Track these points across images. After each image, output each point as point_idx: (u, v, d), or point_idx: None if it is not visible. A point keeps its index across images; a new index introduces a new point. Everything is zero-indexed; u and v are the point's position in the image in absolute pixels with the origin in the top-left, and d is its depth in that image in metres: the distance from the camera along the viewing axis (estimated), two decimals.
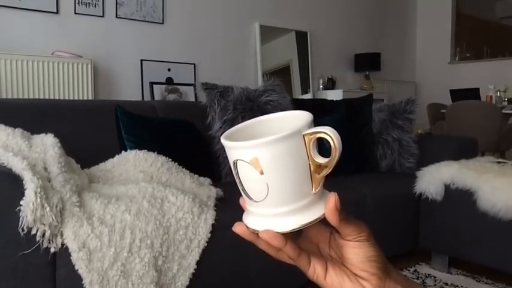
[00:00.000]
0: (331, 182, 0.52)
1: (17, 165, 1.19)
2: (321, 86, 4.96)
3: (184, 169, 1.67)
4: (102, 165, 1.66)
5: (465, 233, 2.00)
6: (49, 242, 1.16)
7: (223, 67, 4.22)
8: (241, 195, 0.42)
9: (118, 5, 3.59)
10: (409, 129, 2.53)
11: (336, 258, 0.45)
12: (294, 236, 0.43)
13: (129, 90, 3.66)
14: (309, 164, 0.38)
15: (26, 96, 2.99)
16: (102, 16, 3.52)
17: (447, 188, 2.04)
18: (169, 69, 3.88)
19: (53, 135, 1.44)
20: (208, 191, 1.57)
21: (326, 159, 0.38)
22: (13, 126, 1.43)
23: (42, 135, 1.45)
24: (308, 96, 4.79)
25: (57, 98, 3.10)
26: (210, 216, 1.43)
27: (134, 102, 2.29)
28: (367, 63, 5.18)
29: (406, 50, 6.12)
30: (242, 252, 1.54)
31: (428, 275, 2.10)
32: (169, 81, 3.85)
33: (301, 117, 0.40)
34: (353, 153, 2.45)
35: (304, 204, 0.39)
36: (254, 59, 4.48)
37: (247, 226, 0.42)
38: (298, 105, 2.46)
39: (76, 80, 3.20)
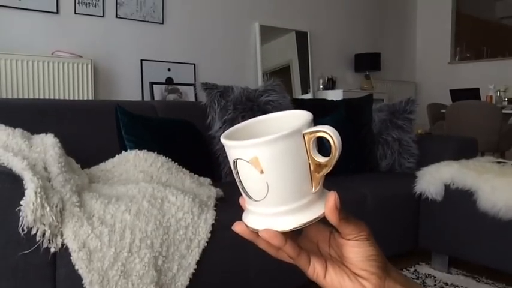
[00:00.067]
0: (331, 182, 0.52)
1: (17, 165, 1.19)
2: (321, 86, 4.96)
3: (184, 169, 1.67)
4: (102, 165, 1.66)
5: (465, 233, 2.00)
6: (49, 242, 1.16)
7: (223, 67, 4.22)
8: (241, 194, 0.42)
9: (118, 5, 3.59)
10: (409, 129, 2.53)
11: (335, 257, 0.45)
12: (294, 235, 0.43)
13: (129, 90, 3.66)
14: (309, 163, 0.38)
15: (26, 96, 2.99)
16: (102, 16, 3.52)
17: (447, 188, 2.04)
18: (169, 69, 3.88)
19: (53, 135, 1.44)
20: (208, 191, 1.57)
21: (326, 159, 0.38)
22: (13, 126, 1.43)
23: (42, 135, 1.44)
24: (308, 96, 4.79)
25: (57, 98, 3.10)
26: (210, 216, 1.43)
27: (134, 102, 2.30)
28: (367, 63, 5.19)
29: (406, 50, 6.12)
30: (242, 252, 1.54)
31: (428, 275, 2.10)
32: (169, 81, 3.85)
33: (301, 117, 0.40)
34: (353, 153, 2.45)
35: (304, 204, 0.39)
36: (254, 59, 4.48)
37: (247, 225, 0.42)
38: (298, 105, 2.45)
39: (76, 80, 3.20)
